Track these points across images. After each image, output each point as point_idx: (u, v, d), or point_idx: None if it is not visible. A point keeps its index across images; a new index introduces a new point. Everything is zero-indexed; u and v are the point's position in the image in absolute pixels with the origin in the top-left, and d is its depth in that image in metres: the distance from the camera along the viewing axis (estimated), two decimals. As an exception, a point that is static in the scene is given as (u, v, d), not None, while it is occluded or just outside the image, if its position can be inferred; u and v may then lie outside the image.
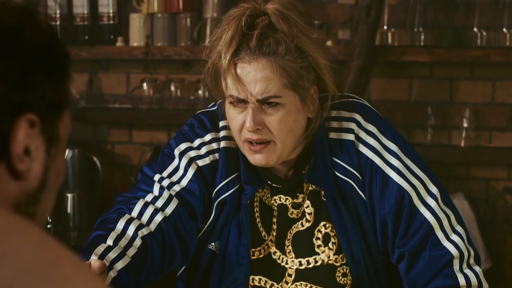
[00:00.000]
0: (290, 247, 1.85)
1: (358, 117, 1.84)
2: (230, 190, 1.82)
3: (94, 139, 3.98)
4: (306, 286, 1.85)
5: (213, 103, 1.93)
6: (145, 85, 3.83)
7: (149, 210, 1.79)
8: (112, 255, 1.67)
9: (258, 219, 1.85)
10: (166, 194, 1.81)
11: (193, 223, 1.81)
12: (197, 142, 1.86)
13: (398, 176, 1.80)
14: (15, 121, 0.95)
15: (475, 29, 3.58)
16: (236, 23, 1.73)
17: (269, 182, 1.84)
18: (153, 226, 1.77)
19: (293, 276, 1.85)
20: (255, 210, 1.85)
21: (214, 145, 1.85)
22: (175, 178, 1.83)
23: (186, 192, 1.82)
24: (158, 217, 1.78)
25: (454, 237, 1.80)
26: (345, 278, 1.84)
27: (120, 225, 1.74)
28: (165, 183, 1.82)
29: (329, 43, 3.60)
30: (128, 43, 3.80)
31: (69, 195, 3.56)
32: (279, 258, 1.85)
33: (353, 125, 1.83)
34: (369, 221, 1.82)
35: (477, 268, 1.81)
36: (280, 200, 1.85)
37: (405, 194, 1.80)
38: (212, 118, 1.88)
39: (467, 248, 1.81)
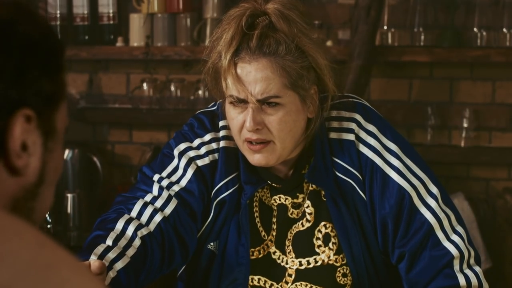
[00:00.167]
0: (290, 247, 1.85)
1: (358, 117, 1.84)
2: (229, 190, 1.82)
3: (94, 139, 3.98)
4: (306, 286, 1.85)
5: (213, 103, 1.93)
6: (145, 85, 3.83)
7: (148, 210, 1.79)
8: (111, 255, 1.67)
9: (257, 219, 1.85)
10: (165, 194, 1.81)
11: (192, 223, 1.81)
12: (196, 142, 1.86)
13: (399, 176, 1.80)
14: (11, 117, 0.95)
15: (475, 29, 3.58)
16: (236, 23, 1.73)
17: (269, 182, 1.84)
18: (152, 226, 1.77)
19: (293, 276, 1.85)
20: (254, 210, 1.85)
21: (214, 145, 1.85)
22: (174, 178, 1.83)
23: (186, 192, 1.82)
24: (158, 217, 1.78)
25: (455, 237, 1.80)
26: (345, 278, 1.84)
27: (120, 225, 1.74)
28: (165, 183, 1.82)
29: (329, 43, 3.60)
30: (128, 43, 3.80)
31: (69, 195, 3.56)
32: (279, 258, 1.85)
33: (353, 125, 1.83)
34: (369, 221, 1.82)
35: (477, 268, 1.81)
36: (280, 200, 1.85)
37: (405, 194, 1.80)
38: (212, 118, 1.88)
39: (467, 248, 1.81)
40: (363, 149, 1.82)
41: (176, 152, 1.85)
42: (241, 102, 1.74)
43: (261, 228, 1.86)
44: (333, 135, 1.84)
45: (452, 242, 1.80)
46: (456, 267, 1.79)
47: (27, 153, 0.97)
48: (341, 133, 1.84)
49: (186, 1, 3.76)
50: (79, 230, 3.54)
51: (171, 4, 3.76)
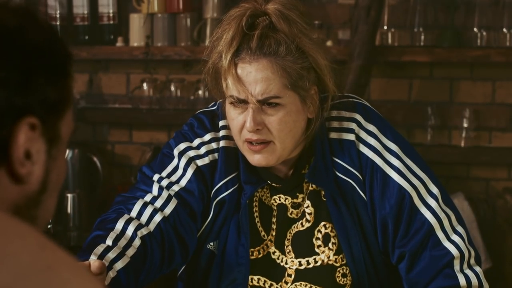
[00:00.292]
0: (290, 247, 1.85)
1: (358, 117, 1.84)
2: (229, 190, 1.82)
3: (94, 139, 3.98)
4: (305, 286, 1.85)
5: (213, 103, 1.92)
6: (145, 85, 3.83)
7: (148, 210, 1.78)
8: (111, 255, 1.67)
9: (257, 219, 1.85)
10: (165, 194, 1.81)
11: (192, 223, 1.81)
12: (196, 141, 1.86)
13: (399, 176, 1.80)
14: (15, 125, 0.94)
15: (475, 29, 3.58)
16: (236, 23, 1.72)
17: (269, 182, 1.84)
18: (152, 226, 1.77)
19: (292, 276, 1.85)
20: (254, 210, 1.85)
21: (214, 145, 1.85)
22: (174, 178, 1.83)
23: (185, 192, 1.82)
24: (157, 217, 1.78)
25: (455, 237, 1.80)
26: (345, 279, 1.84)
27: (119, 225, 1.74)
28: (164, 183, 1.82)
29: (329, 43, 3.60)
30: (128, 43, 3.80)
31: (69, 195, 3.55)
32: (278, 258, 1.85)
33: (353, 125, 1.83)
34: (369, 221, 1.82)
35: (477, 269, 1.81)
36: (279, 200, 1.85)
37: (405, 194, 1.80)
38: (212, 117, 1.88)
39: (467, 248, 1.80)
40: (364, 149, 1.82)
41: (176, 152, 1.85)
42: (241, 103, 1.74)
43: (260, 228, 1.86)
44: (333, 135, 1.84)
45: (452, 242, 1.79)
46: (457, 267, 1.79)
47: (31, 161, 0.96)
48: (341, 133, 1.83)
49: (186, 1, 3.76)
50: (79, 230, 3.54)
51: (171, 4, 3.76)
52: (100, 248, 1.68)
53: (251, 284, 1.85)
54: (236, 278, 1.83)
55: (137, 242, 1.72)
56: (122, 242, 1.71)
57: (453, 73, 3.64)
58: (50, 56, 1.00)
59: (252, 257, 1.84)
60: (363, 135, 1.83)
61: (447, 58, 3.54)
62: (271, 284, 1.85)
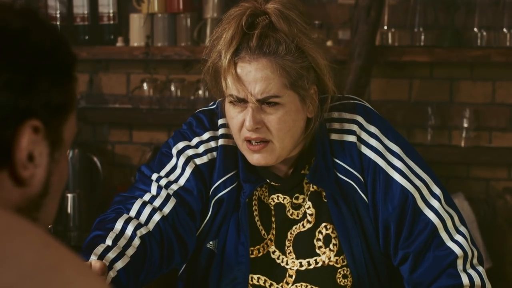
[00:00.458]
0: (290, 248, 1.85)
1: (359, 118, 1.84)
2: (227, 188, 1.82)
3: (94, 139, 3.98)
4: (306, 287, 1.84)
5: (212, 102, 1.92)
6: (145, 85, 3.83)
7: (147, 209, 1.78)
8: (111, 255, 1.67)
9: (257, 218, 1.85)
10: (164, 193, 1.81)
11: (191, 222, 1.81)
12: (195, 140, 1.86)
13: (401, 177, 1.80)
14: (18, 128, 0.94)
15: (475, 29, 3.58)
16: (236, 22, 1.72)
17: (268, 181, 1.84)
18: (151, 225, 1.77)
19: (293, 277, 1.85)
20: (253, 208, 1.85)
21: (212, 144, 1.85)
22: (172, 177, 1.83)
23: (184, 191, 1.81)
24: (156, 217, 1.78)
25: (458, 237, 1.80)
26: (346, 280, 1.84)
27: (119, 225, 1.74)
28: (163, 182, 1.82)
29: (329, 43, 3.60)
30: (128, 43, 3.80)
31: (69, 195, 3.56)
32: (278, 258, 1.85)
33: (354, 127, 1.83)
34: (370, 223, 1.82)
35: (480, 268, 1.81)
36: (278, 199, 1.85)
37: (408, 195, 1.79)
38: (211, 116, 1.88)
39: (471, 248, 1.81)
40: (365, 150, 1.82)
41: (174, 151, 1.85)
42: (240, 102, 1.74)
43: (261, 227, 1.85)
44: (334, 136, 1.83)
45: (456, 242, 1.79)
46: (460, 266, 1.79)
47: (33, 164, 0.96)
48: (343, 134, 1.83)
49: (186, 1, 3.76)
50: (79, 230, 3.54)
51: (171, 4, 3.76)
52: (100, 248, 1.68)
53: (251, 283, 1.85)
54: (236, 277, 1.83)
55: (136, 241, 1.72)
56: (122, 242, 1.71)
57: (453, 73, 3.64)
58: (55, 58, 0.99)
59: (252, 256, 1.84)
60: (365, 136, 1.82)
61: (447, 58, 3.54)
62: (271, 284, 1.85)
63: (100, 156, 3.86)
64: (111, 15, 3.79)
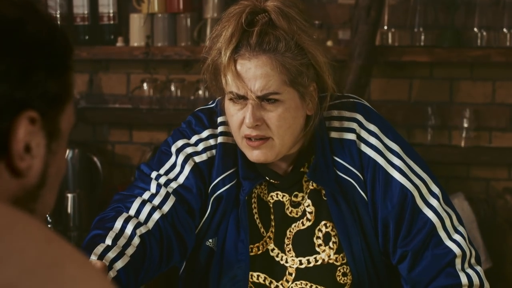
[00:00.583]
0: (290, 246, 1.85)
1: (359, 117, 1.84)
2: (226, 186, 1.82)
3: (94, 139, 3.98)
4: (306, 285, 1.85)
5: (211, 101, 1.93)
6: (145, 85, 3.83)
7: (147, 208, 1.78)
8: (111, 254, 1.67)
9: (256, 215, 1.85)
10: (163, 191, 1.81)
11: (190, 220, 1.81)
12: (194, 138, 1.86)
13: (401, 175, 1.80)
14: (15, 119, 0.94)
15: (475, 29, 3.58)
16: (236, 20, 1.73)
17: (267, 178, 1.84)
18: (151, 224, 1.77)
19: (293, 275, 1.85)
20: (253, 206, 1.85)
21: (211, 141, 1.85)
22: (172, 175, 1.83)
23: (183, 189, 1.82)
24: (156, 215, 1.78)
25: (456, 237, 1.80)
26: (345, 278, 1.84)
27: (118, 224, 1.74)
28: (162, 180, 1.82)
29: (329, 43, 3.60)
30: (128, 43, 3.80)
31: (69, 195, 3.56)
32: (277, 256, 1.85)
33: (354, 125, 1.83)
34: (369, 221, 1.82)
35: (478, 268, 1.81)
36: (277, 197, 1.85)
37: (407, 194, 1.80)
38: (210, 115, 1.88)
39: (469, 248, 1.81)
40: (365, 148, 1.82)
41: (173, 149, 1.85)
42: (240, 99, 1.74)
43: (260, 225, 1.86)
44: (334, 134, 1.84)
45: (454, 241, 1.80)
46: (458, 266, 1.79)
47: (30, 155, 0.96)
48: (342, 132, 1.83)
49: (186, 1, 3.76)
50: (79, 230, 3.54)
51: (171, 4, 3.76)
52: (100, 248, 1.67)
53: (251, 281, 1.85)
54: (236, 275, 1.83)
55: (136, 240, 1.72)
56: (122, 241, 1.71)
57: (453, 73, 3.64)
58: (51, 49, 0.99)
59: (252, 254, 1.84)
60: (365, 134, 1.83)
61: (447, 58, 3.54)
62: (271, 282, 1.85)
63: (100, 156, 3.86)
64: (111, 15, 3.79)
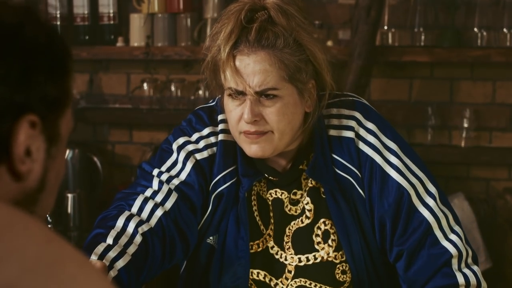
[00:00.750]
0: (289, 244, 1.85)
1: (358, 115, 1.84)
2: (227, 183, 1.83)
3: (94, 139, 3.98)
4: (305, 283, 1.85)
5: (212, 100, 1.93)
6: (145, 85, 3.83)
7: (149, 205, 1.79)
8: (112, 254, 1.67)
9: (256, 213, 1.86)
10: (165, 188, 1.81)
11: (193, 217, 1.81)
12: (195, 136, 1.86)
13: (398, 174, 1.81)
14: (15, 122, 0.95)
15: (475, 29, 3.58)
16: (235, 17, 1.73)
17: (266, 175, 1.84)
18: (153, 221, 1.77)
19: (292, 273, 1.85)
20: (253, 203, 1.86)
21: (212, 139, 1.86)
22: (173, 172, 1.84)
23: (185, 185, 1.82)
24: (158, 212, 1.78)
25: (453, 237, 1.80)
26: (345, 275, 1.84)
27: (120, 222, 1.74)
28: (164, 177, 1.82)
29: (329, 43, 3.60)
30: (129, 43, 3.80)
31: (69, 195, 3.56)
32: (277, 254, 1.85)
33: (353, 123, 1.84)
34: (367, 219, 1.83)
35: (475, 268, 1.81)
36: (276, 194, 1.85)
37: (404, 193, 1.80)
38: (210, 113, 1.89)
39: (465, 247, 1.81)
40: (363, 147, 1.82)
41: (175, 147, 1.86)
42: (239, 94, 1.75)
43: (260, 222, 1.86)
44: (332, 132, 1.84)
45: (450, 241, 1.80)
46: (455, 266, 1.79)
47: (31, 159, 0.97)
48: (341, 130, 1.84)
49: (186, 1, 3.76)
50: (79, 230, 3.54)
51: (172, 4, 3.76)
52: (100, 248, 1.67)
53: (251, 278, 1.85)
54: (236, 272, 1.84)
55: (138, 239, 1.72)
56: (123, 240, 1.71)
57: (454, 73, 3.65)
58: (50, 53, 1.00)
59: (252, 251, 1.84)
60: (363, 133, 1.83)
61: (447, 58, 3.54)
62: (271, 279, 1.86)
63: (100, 156, 3.86)
64: (111, 15, 3.79)
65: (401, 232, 1.80)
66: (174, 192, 1.81)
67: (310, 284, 1.85)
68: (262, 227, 1.86)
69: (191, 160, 1.83)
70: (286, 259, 1.85)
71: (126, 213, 1.76)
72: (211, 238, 1.85)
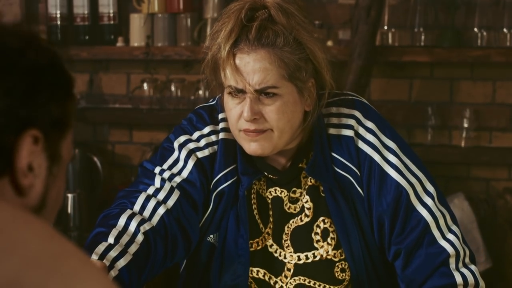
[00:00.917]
0: (288, 242, 1.85)
1: (357, 114, 1.85)
2: (228, 182, 1.83)
3: (94, 139, 3.98)
4: (304, 281, 1.85)
5: (212, 98, 1.94)
6: (145, 85, 3.83)
7: (152, 203, 1.79)
8: (113, 253, 1.67)
9: (255, 211, 1.86)
10: (167, 186, 1.81)
11: (194, 215, 1.82)
12: (196, 134, 1.87)
13: (396, 173, 1.81)
14: (19, 136, 0.97)
15: (475, 29, 3.58)
16: (236, 16, 1.74)
17: (266, 174, 1.85)
18: (155, 219, 1.77)
19: (292, 271, 1.85)
20: (252, 202, 1.86)
21: (213, 138, 1.86)
22: (175, 170, 1.84)
23: (187, 183, 1.82)
24: (161, 210, 1.78)
25: (450, 236, 1.80)
26: (344, 274, 1.85)
27: (122, 221, 1.74)
28: (166, 175, 1.83)
29: (329, 43, 3.60)
30: (129, 43, 3.80)
31: (70, 195, 3.56)
32: (276, 252, 1.86)
33: (352, 122, 1.84)
34: (366, 217, 1.83)
35: (473, 267, 1.81)
36: (275, 193, 1.86)
37: (402, 192, 1.80)
38: (211, 112, 1.89)
39: (462, 247, 1.81)
40: (362, 145, 1.83)
41: (176, 145, 1.86)
42: (239, 92, 1.75)
43: (259, 221, 1.86)
44: (332, 131, 1.84)
45: (448, 241, 1.80)
46: (452, 265, 1.79)
47: (33, 174, 0.99)
48: (340, 129, 1.84)
49: (186, 1, 3.76)
50: (79, 230, 3.55)
51: (172, 4, 3.76)
52: (101, 247, 1.67)
53: (251, 276, 1.85)
54: (237, 270, 1.84)
55: (140, 238, 1.72)
56: (125, 239, 1.71)
57: (454, 73, 3.65)
58: (52, 75, 1.02)
59: (251, 249, 1.85)
60: (362, 131, 1.83)
61: (447, 58, 3.54)
62: (271, 277, 1.86)
63: (100, 156, 3.86)
64: (111, 15, 3.79)
65: (399, 231, 1.81)
66: (176, 190, 1.81)
67: (309, 282, 1.85)
68: (261, 225, 1.86)
69: (192, 158, 1.84)
70: (285, 257, 1.86)
71: (128, 212, 1.76)
72: (211, 236, 1.85)
